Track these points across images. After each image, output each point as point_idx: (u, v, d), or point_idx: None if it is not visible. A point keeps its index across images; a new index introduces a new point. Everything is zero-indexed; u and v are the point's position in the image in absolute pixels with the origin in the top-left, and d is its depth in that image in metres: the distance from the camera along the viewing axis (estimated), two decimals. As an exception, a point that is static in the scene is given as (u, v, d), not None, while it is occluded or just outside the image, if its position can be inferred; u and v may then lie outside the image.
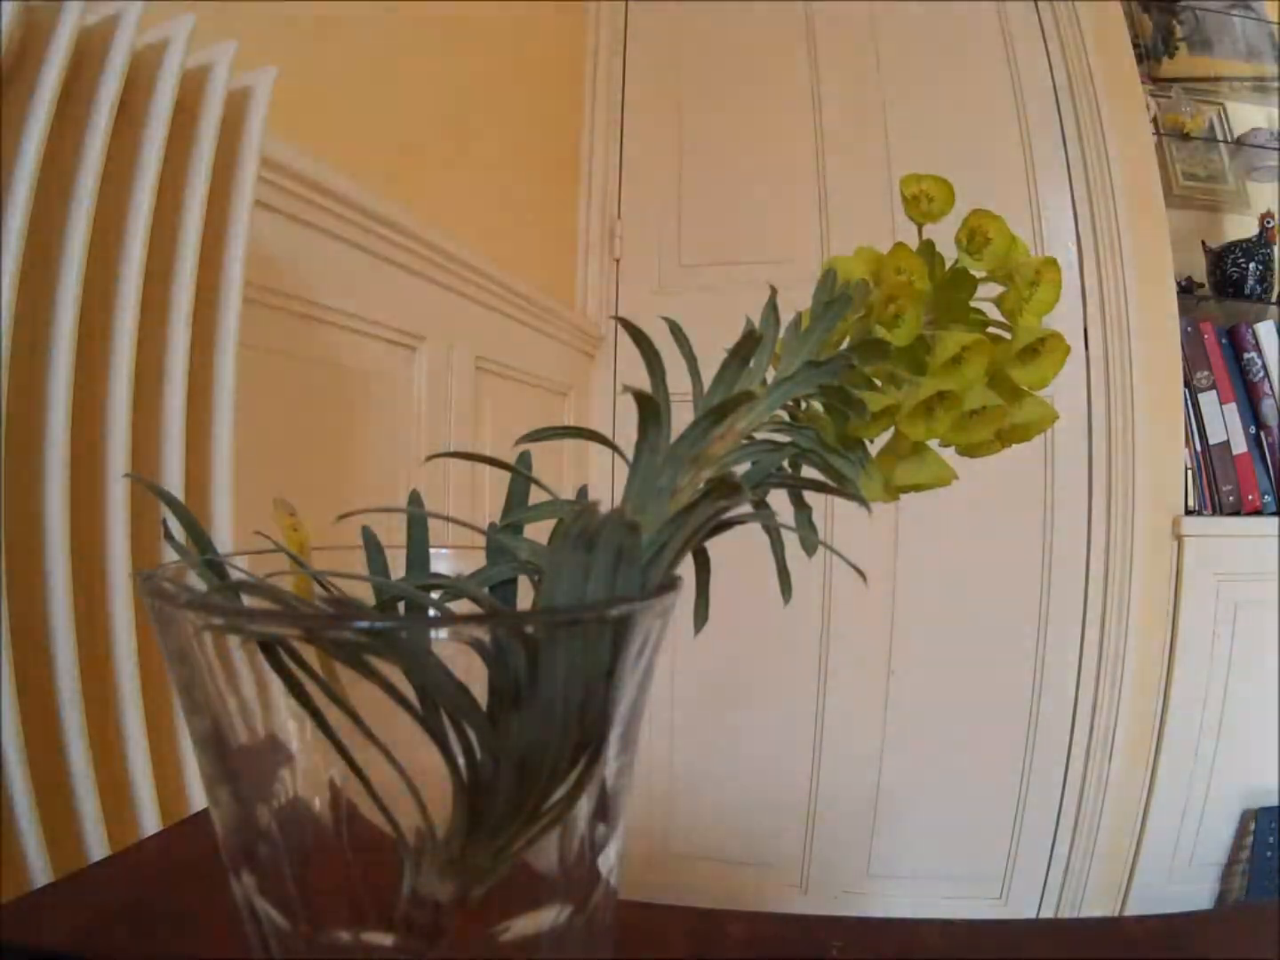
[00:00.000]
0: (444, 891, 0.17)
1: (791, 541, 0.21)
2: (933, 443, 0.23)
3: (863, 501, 0.21)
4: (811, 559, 0.21)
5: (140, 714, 0.52)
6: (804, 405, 0.23)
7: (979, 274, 0.23)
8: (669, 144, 1.68)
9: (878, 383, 0.23)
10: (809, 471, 0.22)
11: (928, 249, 0.23)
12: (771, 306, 0.23)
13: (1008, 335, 0.23)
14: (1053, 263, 0.23)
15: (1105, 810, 1.41)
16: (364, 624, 0.15)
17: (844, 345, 0.23)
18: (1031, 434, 0.23)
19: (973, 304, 0.23)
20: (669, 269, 1.65)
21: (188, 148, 0.55)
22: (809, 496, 0.22)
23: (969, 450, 0.23)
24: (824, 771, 1.52)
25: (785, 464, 0.22)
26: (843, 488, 0.22)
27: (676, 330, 0.23)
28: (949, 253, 0.23)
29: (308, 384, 0.81)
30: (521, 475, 0.23)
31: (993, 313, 0.24)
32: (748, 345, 0.21)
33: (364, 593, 0.22)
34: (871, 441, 0.23)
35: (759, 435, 0.22)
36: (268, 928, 0.18)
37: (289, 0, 0.82)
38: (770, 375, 0.22)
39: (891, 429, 0.23)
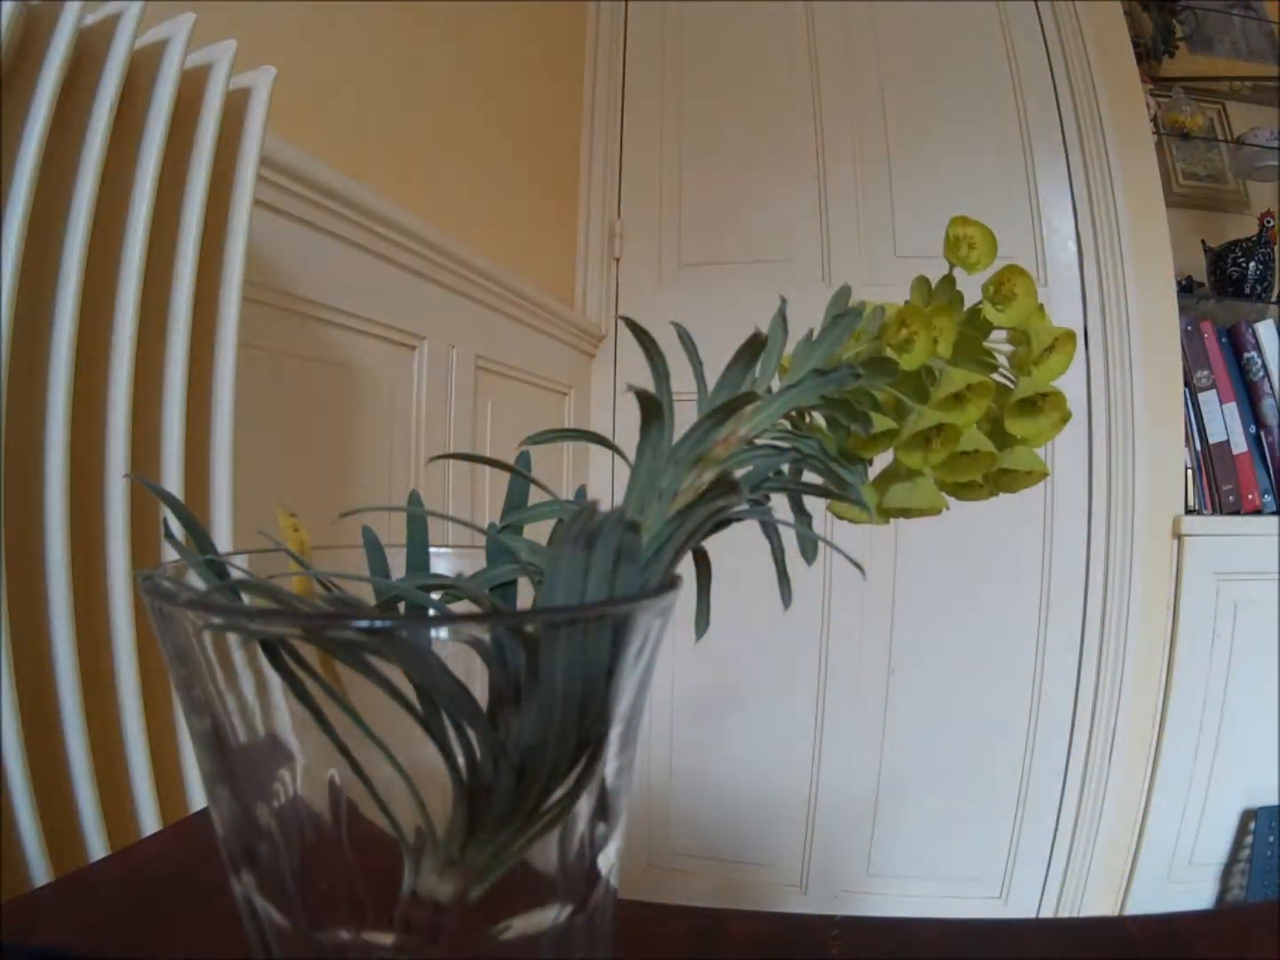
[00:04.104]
0: (444, 891, 0.17)
1: (791, 546, 0.21)
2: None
3: (864, 506, 0.22)
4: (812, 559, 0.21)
5: (140, 714, 0.52)
6: (808, 419, 0.23)
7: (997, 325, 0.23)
8: (669, 144, 1.68)
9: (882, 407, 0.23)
10: (810, 478, 0.22)
11: (947, 284, 0.23)
12: (780, 316, 0.23)
13: (1014, 386, 0.23)
14: (1071, 336, 0.23)
15: (1105, 810, 1.41)
16: (364, 624, 0.15)
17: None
18: (1019, 486, 0.24)
19: (986, 345, 0.24)
20: (669, 269, 1.65)
21: (188, 147, 0.55)
22: (810, 505, 0.22)
23: (956, 491, 0.24)
24: (824, 772, 1.52)
25: (786, 471, 0.22)
26: (844, 493, 0.22)
27: (684, 337, 0.23)
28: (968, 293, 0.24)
29: (308, 384, 0.81)
30: (521, 476, 0.23)
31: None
32: (754, 346, 0.21)
33: (364, 593, 0.22)
34: (870, 463, 0.23)
35: (761, 441, 0.22)
36: (268, 927, 0.18)
37: (289, 0, 0.82)
38: (777, 385, 0.23)
39: (888, 453, 0.23)
